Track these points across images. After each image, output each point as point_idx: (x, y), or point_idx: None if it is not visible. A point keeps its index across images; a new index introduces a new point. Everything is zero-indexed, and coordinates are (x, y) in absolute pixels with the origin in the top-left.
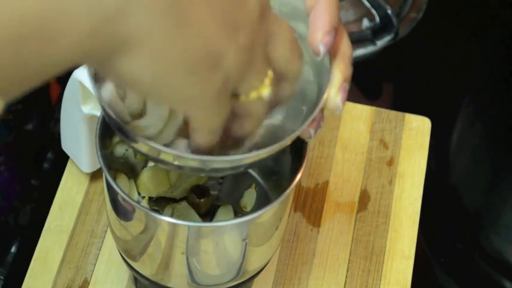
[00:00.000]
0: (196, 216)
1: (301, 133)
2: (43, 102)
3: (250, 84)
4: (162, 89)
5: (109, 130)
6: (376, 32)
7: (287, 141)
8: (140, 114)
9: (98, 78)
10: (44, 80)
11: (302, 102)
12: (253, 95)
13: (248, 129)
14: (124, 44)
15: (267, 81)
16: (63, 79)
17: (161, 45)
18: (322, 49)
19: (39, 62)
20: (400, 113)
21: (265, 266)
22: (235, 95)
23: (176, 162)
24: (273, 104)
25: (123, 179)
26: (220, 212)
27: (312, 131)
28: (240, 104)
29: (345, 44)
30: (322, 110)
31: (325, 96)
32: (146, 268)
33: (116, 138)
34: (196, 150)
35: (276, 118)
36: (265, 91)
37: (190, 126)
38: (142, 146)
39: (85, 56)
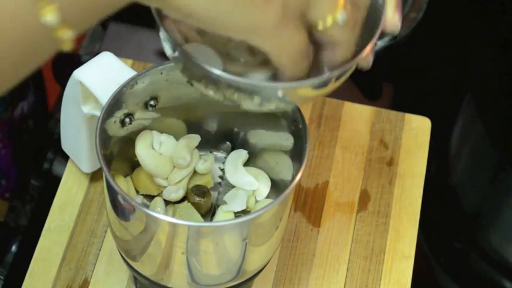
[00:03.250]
0: (198, 216)
1: (360, 60)
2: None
3: (321, 11)
4: (218, 20)
5: (109, 130)
6: None
7: (353, 64)
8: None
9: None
10: (108, 14)
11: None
12: (328, 21)
13: (341, 57)
14: None
15: (340, 3)
16: (63, 79)
17: None
18: None
19: None
20: (400, 113)
21: (265, 266)
22: (311, 26)
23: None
24: (355, 26)
25: (122, 179)
26: (220, 212)
27: (370, 58)
28: (320, 34)
29: None
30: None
31: (383, 18)
32: (146, 268)
33: (115, 139)
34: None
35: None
36: (339, 14)
37: (271, 60)
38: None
39: None
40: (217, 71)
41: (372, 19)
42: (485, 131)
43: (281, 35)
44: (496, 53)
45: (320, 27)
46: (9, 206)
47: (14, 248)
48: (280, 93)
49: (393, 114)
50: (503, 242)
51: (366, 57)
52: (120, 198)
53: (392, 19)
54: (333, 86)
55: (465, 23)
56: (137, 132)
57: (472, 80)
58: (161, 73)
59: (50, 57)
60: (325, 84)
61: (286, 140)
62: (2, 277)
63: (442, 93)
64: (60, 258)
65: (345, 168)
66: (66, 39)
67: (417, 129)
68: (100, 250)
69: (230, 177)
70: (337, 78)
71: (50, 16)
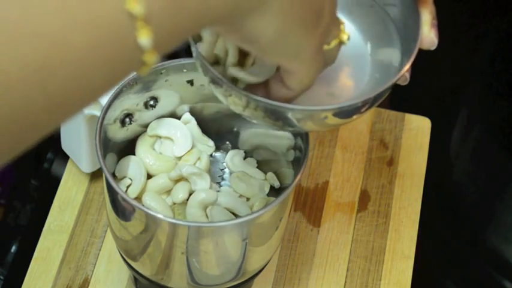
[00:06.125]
0: (198, 216)
1: (399, 78)
2: None
3: (335, 33)
4: (279, 45)
5: (109, 130)
6: None
7: (393, 80)
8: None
9: (194, 38)
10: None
11: (388, 56)
12: (334, 42)
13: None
14: (260, 4)
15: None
16: None
17: (286, 3)
18: None
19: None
20: (400, 113)
21: (265, 266)
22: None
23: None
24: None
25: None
26: (220, 212)
27: (407, 75)
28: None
29: None
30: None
31: (419, 36)
32: (146, 268)
33: (115, 139)
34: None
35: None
36: (346, 37)
37: (288, 80)
38: (236, 97)
39: (227, 13)
40: (259, 97)
41: (408, 37)
42: (485, 131)
43: (316, 60)
44: (495, 54)
45: (325, 48)
46: (9, 206)
47: (14, 248)
48: (321, 116)
49: (393, 114)
50: (503, 242)
51: (404, 74)
52: (120, 198)
53: (428, 36)
54: (368, 109)
55: (465, 23)
56: (137, 132)
57: (472, 80)
58: (161, 73)
59: (121, 81)
60: (365, 104)
61: (286, 140)
62: (2, 277)
63: (442, 93)
64: (60, 258)
65: (345, 168)
66: (150, 63)
67: (417, 129)
68: (100, 250)
69: (236, 163)
70: (375, 99)
71: (145, 38)
